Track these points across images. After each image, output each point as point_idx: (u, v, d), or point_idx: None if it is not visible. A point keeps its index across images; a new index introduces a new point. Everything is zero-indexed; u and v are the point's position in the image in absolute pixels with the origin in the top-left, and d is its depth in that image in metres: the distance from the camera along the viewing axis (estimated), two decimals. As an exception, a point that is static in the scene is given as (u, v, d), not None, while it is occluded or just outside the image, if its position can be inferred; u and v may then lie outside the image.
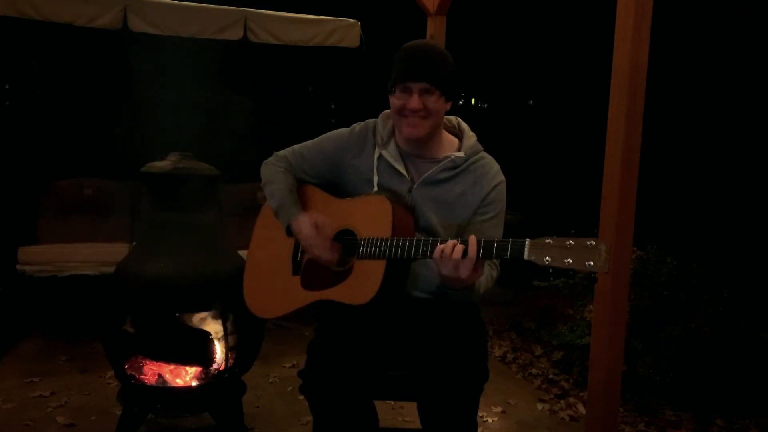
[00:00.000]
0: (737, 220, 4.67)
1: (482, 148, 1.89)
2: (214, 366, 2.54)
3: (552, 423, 3.02)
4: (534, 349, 3.97)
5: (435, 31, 3.40)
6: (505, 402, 3.19)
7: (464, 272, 1.53)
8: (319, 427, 1.77)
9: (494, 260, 1.77)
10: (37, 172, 4.76)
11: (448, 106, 1.81)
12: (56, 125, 5.25)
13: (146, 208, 2.68)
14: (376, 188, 1.84)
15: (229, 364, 2.54)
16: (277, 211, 1.90)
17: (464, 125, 1.94)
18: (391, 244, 1.67)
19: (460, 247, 1.53)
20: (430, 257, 1.58)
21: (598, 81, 2.81)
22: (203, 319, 2.53)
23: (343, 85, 6.59)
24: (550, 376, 3.56)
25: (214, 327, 2.53)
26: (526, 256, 1.46)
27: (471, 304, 1.84)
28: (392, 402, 2.95)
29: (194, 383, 2.52)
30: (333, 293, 1.76)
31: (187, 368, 2.54)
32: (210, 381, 2.52)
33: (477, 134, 1.92)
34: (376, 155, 1.86)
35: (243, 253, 2.15)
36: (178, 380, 2.52)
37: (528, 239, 1.46)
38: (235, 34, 4.24)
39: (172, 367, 2.53)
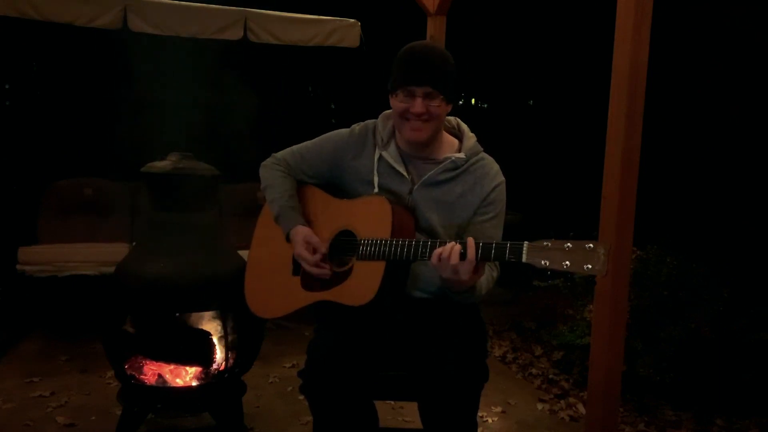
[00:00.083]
0: (737, 220, 4.67)
1: (482, 149, 1.89)
2: (214, 366, 2.54)
3: (552, 423, 3.02)
4: (534, 349, 3.97)
5: (435, 31, 3.40)
6: (505, 402, 3.19)
7: (464, 275, 1.53)
8: (319, 427, 1.77)
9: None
10: (37, 172, 4.76)
11: (449, 108, 1.81)
12: (56, 125, 5.24)
13: (146, 208, 2.67)
14: (376, 189, 1.84)
15: (229, 364, 2.54)
16: (277, 218, 1.91)
17: (464, 126, 1.94)
18: (390, 245, 1.67)
19: (457, 249, 1.53)
20: (429, 259, 1.58)
21: (598, 81, 2.81)
22: (203, 319, 2.53)
23: (343, 85, 6.59)
24: (550, 376, 3.56)
25: (214, 327, 2.53)
26: (524, 259, 1.46)
27: (471, 304, 1.84)
28: (392, 402, 2.95)
29: (194, 383, 2.52)
30: (332, 294, 1.77)
31: (187, 368, 2.54)
32: (210, 381, 2.52)
33: (477, 134, 1.92)
34: (377, 156, 1.86)
35: (243, 253, 2.16)
36: (178, 380, 2.52)
37: (526, 242, 1.46)
38: (235, 34, 4.24)
39: (172, 367, 2.53)
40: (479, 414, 2.17)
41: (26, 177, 4.86)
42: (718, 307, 3.19)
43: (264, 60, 5.56)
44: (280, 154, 2.01)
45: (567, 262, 1.40)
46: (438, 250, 1.56)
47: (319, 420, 1.76)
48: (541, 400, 3.24)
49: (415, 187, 1.83)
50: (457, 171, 1.83)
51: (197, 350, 2.53)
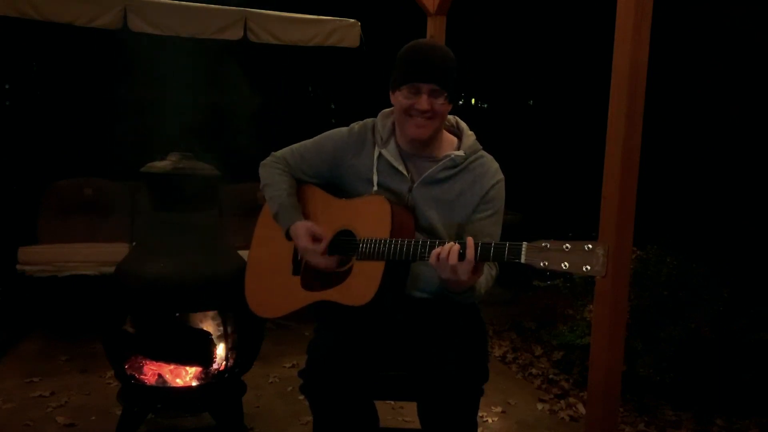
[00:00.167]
0: (737, 220, 4.67)
1: (481, 147, 1.89)
2: (214, 366, 2.54)
3: (552, 423, 3.02)
4: (534, 349, 3.97)
5: (435, 31, 3.39)
6: (505, 402, 3.19)
7: (463, 275, 1.53)
8: (319, 427, 1.77)
9: None
10: (37, 172, 4.76)
11: (450, 107, 1.81)
12: (56, 125, 5.25)
13: (146, 208, 2.68)
14: (375, 188, 1.84)
15: (229, 364, 2.54)
16: (276, 216, 1.90)
17: (463, 124, 1.94)
18: (390, 245, 1.67)
19: (456, 249, 1.53)
20: (428, 259, 1.58)
21: (598, 81, 2.81)
22: (203, 319, 2.53)
23: (343, 85, 6.59)
24: (550, 376, 3.56)
25: (214, 327, 2.53)
26: (523, 260, 1.45)
27: (471, 304, 1.84)
28: (392, 402, 2.95)
29: (194, 383, 2.52)
30: (332, 294, 1.77)
31: (187, 368, 2.54)
32: (210, 381, 2.52)
33: (477, 134, 1.92)
34: (376, 154, 1.86)
35: (243, 253, 2.16)
36: (178, 380, 2.52)
37: (525, 242, 1.46)
38: (235, 34, 4.24)
39: (172, 367, 2.53)
40: (479, 414, 2.17)
41: (26, 177, 4.86)
42: (718, 307, 3.19)
43: (264, 60, 5.56)
44: (279, 153, 2.01)
45: (566, 263, 1.40)
46: (437, 250, 1.56)
47: (319, 420, 1.76)
48: (541, 400, 3.24)
49: (415, 185, 1.83)
50: (457, 169, 1.83)
51: (197, 350, 2.53)
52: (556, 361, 3.71)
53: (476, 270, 1.55)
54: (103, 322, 2.57)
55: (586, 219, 2.75)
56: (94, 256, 3.94)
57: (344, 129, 1.94)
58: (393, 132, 1.88)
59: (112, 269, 2.58)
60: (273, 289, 1.93)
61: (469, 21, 5.48)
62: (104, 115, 5.28)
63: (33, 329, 3.98)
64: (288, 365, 3.53)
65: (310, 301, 1.82)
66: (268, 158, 2.02)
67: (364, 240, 1.73)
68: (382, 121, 1.90)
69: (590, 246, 1.39)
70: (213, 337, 2.52)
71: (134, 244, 4.04)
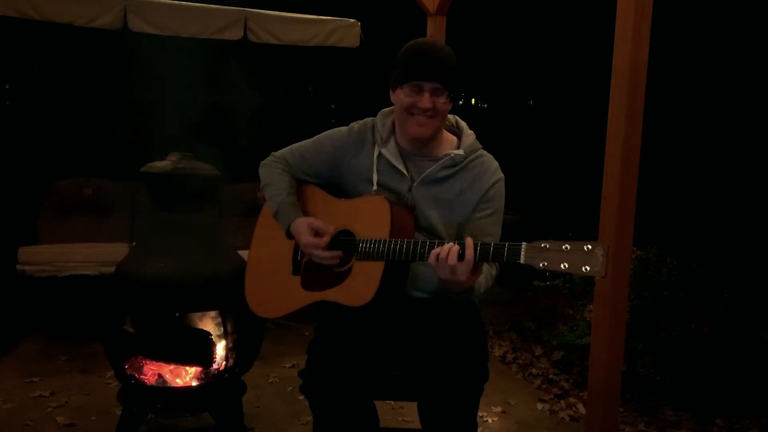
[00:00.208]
0: (737, 220, 4.67)
1: (481, 146, 1.89)
2: (214, 366, 2.54)
3: (552, 423, 3.02)
4: (534, 349, 3.97)
5: (435, 31, 3.39)
6: (505, 402, 3.19)
7: (462, 275, 1.53)
8: (319, 427, 1.77)
9: None
10: (37, 172, 4.76)
11: (451, 106, 1.81)
12: (56, 125, 5.25)
13: (146, 208, 2.68)
14: (375, 187, 1.83)
15: (229, 364, 2.54)
16: (276, 214, 1.90)
17: (462, 123, 1.94)
18: (389, 245, 1.67)
19: (456, 249, 1.53)
20: (427, 259, 1.58)
21: (598, 81, 2.81)
22: (203, 319, 2.53)
23: (343, 85, 6.59)
24: (550, 376, 3.56)
25: (214, 327, 2.53)
26: (522, 260, 1.45)
27: (471, 304, 1.84)
28: (392, 402, 2.95)
29: (194, 383, 2.52)
30: (332, 294, 1.76)
31: (187, 368, 2.54)
32: (210, 381, 2.52)
33: (477, 134, 1.92)
34: (376, 153, 1.86)
35: (243, 253, 2.16)
36: (178, 380, 2.52)
37: (524, 243, 1.46)
38: (235, 34, 4.24)
39: (172, 367, 2.53)
40: (479, 414, 2.17)
41: (26, 177, 4.86)
42: (718, 307, 3.19)
43: (264, 60, 5.55)
44: (279, 153, 2.01)
45: (565, 264, 1.40)
46: (436, 250, 1.55)
47: (319, 420, 1.76)
48: (541, 400, 3.24)
49: (415, 184, 1.83)
50: (456, 168, 1.83)
51: (197, 350, 2.53)
52: (556, 361, 3.71)
53: (475, 270, 1.55)
54: (103, 322, 2.57)
55: (586, 219, 2.75)
56: (94, 256, 3.94)
57: (344, 128, 1.94)
58: (393, 131, 1.88)
59: (112, 269, 2.58)
60: (273, 289, 1.93)
61: (469, 21, 5.48)
62: (104, 115, 5.28)
63: (33, 329, 3.98)
64: (288, 365, 3.53)
65: (309, 301, 1.81)
66: (268, 158, 2.02)
67: (363, 240, 1.73)
68: (382, 120, 1.90)
69: (590, 246, 1.38)
70: (213, 337, 2.53)
71: (134, 244, 4.04)
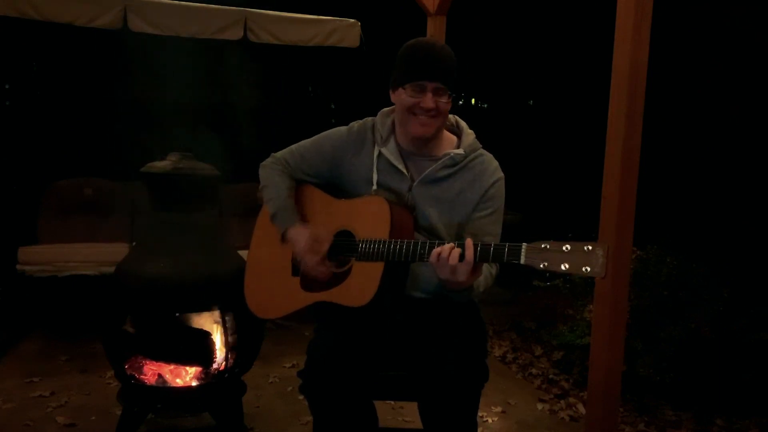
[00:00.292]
0: (737, 220, 4.67)
1: (481, 146, 1.89)
2: (214, 366, 2.54)
3: (552, 423, 3.02)
4: (534, 349, 3.97)
5: (435, 31, 3.39)
6: (505, 402, 3.19)
7: (462, 275, 1.53)
8: (319, 427, 1.77)
9: None
10: (37, 172, 4.76)
11: (451, 106, 1.81)
12: (56, 125, 5.25)
13: (146, 208, 2.68)
14: (375, 187, 1.83)
15: (229, 364, 2.54)
16: (273, 217, 1.90)
17: (462, 123, 1.94)
18: (389, 245, 1.67)
19: (456, 251, 1.53)
20: (427, 260, 1.58)
21: (598, 81, 2.81)
22: (203, 319, 2.53)
23: (343, 85, 6.59)
24: (550, 376, 3.56)
25: (214, 327, 2.53)
26: (522, 261, 1.45)
27: (471, 304, 1.84)
28: (392, 402, 2.95)
29: (194, 383, 2.52)
30: (332, 295, 1.76)
31: (187, 368, 2.54)
32: (210, 381, 2.52)
33: (477, 134, 1.92)
34: (376, 153, 1.86)
35: (243, 253, 2.16)
36: (178, 380, 2.52)
37: (525, 243, 1.46)
38: (235, 34, 4.24)
39: (172, 367, 2.53)
40: (479, 414, 2.17)
41: (26, 177, 4.86)
42: (718, 307, 3.19)
43: (264, 60, 5.56)
44: (279, 153, 2.01)
45: (565, 264, 1.40)
46: (436, 251, 1.55)
47: (319, 420, 1.76)
48: (541, 400, 3.24)
49: (414, 184, 1.83)
50: (456, 167, 1.83)
51: (197, 350, 2.53)
52: (556, 361, 3.71)
53: (475, 270, 1.55)
54: (103, 322, 2.57)
55: (586, 219, 2.75)
56: (94, 256, 3.94)
57: (344, 128, 1.94)
58: (393, 131, 1.88)
59: (112, 269, 2.58)
60: (272, 290, 1.93)
61: (469, 21, 5.48)
62: (104, 115, 5.28)
63: (33, 329, 3.98)
64: (288, 365, 3.53)
65: (309, 301, 1.81)
66: (268, 159, 2.02)
67: (363, 240, 1.73)
68: (382, 120, 1.90)
69: (590, 247, 1.39)
70: (213, 337, 2.53)
71: (134, 244, 4.04)
